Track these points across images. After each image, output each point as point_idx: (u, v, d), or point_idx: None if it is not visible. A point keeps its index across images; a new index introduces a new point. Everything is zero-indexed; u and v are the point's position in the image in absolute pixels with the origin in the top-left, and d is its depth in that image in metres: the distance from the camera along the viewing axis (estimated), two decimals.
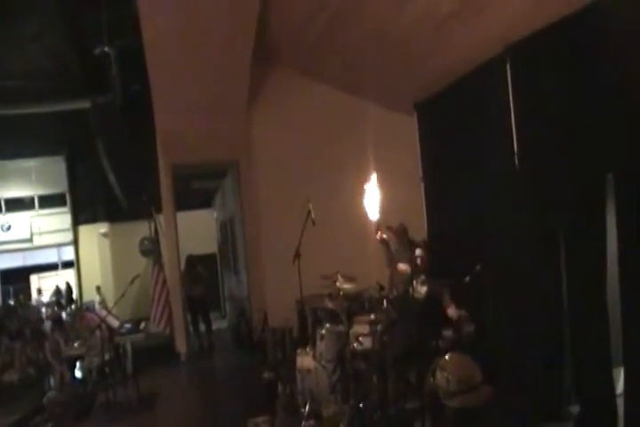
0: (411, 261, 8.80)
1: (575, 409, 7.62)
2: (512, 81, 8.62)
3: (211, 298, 17.42)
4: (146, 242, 16.01)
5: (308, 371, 8.66)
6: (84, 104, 19.88)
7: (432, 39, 9.54)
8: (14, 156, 26.11)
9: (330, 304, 9.30)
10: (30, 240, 28.61)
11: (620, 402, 6.78)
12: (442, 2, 8.76)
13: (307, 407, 7.81)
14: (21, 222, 28.38)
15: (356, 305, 9.84)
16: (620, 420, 6.78)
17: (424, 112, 12.44)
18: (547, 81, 7.78)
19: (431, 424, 7.02)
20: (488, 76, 9.28)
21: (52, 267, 29.62)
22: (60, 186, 28.56)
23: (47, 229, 28.62)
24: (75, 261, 28.20)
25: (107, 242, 27.12)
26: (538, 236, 8.12)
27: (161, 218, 15.28)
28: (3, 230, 28.00)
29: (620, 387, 7.04)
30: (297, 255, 9.00)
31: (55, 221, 28.63)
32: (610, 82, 6.56)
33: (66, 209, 28.56)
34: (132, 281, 12.24)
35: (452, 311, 8.44)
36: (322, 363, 8.71)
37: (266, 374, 9.85)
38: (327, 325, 9.35)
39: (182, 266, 15.40)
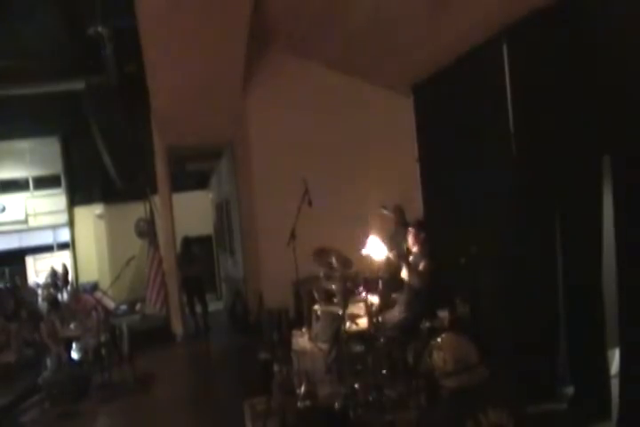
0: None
1: (569, 390, 7.66)
2: (509, 63, 8.59)
3: (207, 279, 17.45)
4: (141, 223, 16.04)
5: (304, 352, 8.71)
6: (79, 85, 19.82)
7: (430, 20, 9.49)
8: (8, 136, 25.93)
9: (326, 285, 9.35)
10: (25, 222, 28.55)
11: (615, 383, 6.82)
12: None
13: (302, 388, 7.84)
14: (16, 204, 28.28)
15: (351, 286, 9.86)
16: (614, 401, 6.82)
17: (421, 93, 12.42)
18: (544, 63, 7.75)
19: (426, 405, 7.05)
20: (485, 57, 9.25)
21: (47, 248, 29.60)
22: (55, 167, 28.43)
23: (42, 210, 28.53)
24: (70, 242, 28.16)
25: (102, 223, 27.06)
26: (534, 218, 8.13)
27: (156, 199, 15.29)
28: None
29: (614, 368, 7.08)
30: (292, 236, 9.01)
31: (50, 203, 28.53)
32: (608, 64, 6.54)
33: (61, 190, 28.46)
34: (128, 262, 12.26)
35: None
36: (317, 344, 8.74)
37: (262, 355, 9.87)
38: (323, 306, 9.38)
39: (178, 247, 15.41)
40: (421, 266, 8.88)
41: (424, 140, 12.38)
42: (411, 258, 9.14)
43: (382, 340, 7.90)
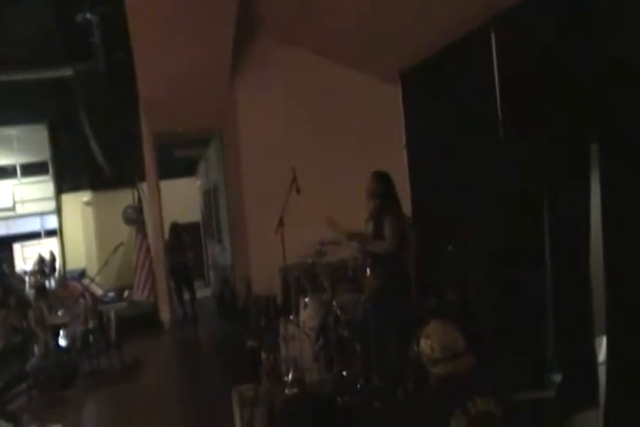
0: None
1: (557, 378, 7.68)
2: (497, 51, 8.58)
3: (195, 267, 17.43)
4: (129, 210, 15.98)
5: (292, 339, 8.69)
6: (66, 72, 19.75)
7: (418, 7, 9.48)
8: None
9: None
10: (13, 209, 28.51)
11: (602, 371, 6.84)
12: None
13: (290, 375, 7.85)
14: (3, 191, 28.25)
15: (339, 273, 9.86)
16: (601, 389, 6.84)
17: (409, 81, 12.39)
18: (532, 51, 7.74)
19: (414, 392, 7.07)
20: (473, 45, 9.24)
21: (35, 235, 29.57)
22: (43, 154, 28.39)
23: (30, 197, 28.51)
24: (58, 229, 28.11)
25: (90, 210, 27.01)
26: (522, 206, 8.13)
27: (144, 186, 15.26)
28: None
29: (601, 356, 7.10)
30: (280, 224, 8.98)
31: (38, 190, 28.51)
32: (595, 52, 6.53)
33: (48, 177, 28.40)
34: (115, 250, 12.24)
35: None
36: (305, 331, 8.74)
37: (249, 343, 9.87)
38: (311, 293, 9.37)
39: (166, 234, 15.38)
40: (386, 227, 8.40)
41: (412, 128, 12.37)
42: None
43: (370, 327, 7.90)
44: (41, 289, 16.00)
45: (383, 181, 8.23)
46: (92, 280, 14.30)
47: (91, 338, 11.77)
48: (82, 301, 12.51)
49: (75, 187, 27.63)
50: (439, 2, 9.01)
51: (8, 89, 21.54)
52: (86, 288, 12.93)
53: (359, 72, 13.25)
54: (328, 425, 7.19)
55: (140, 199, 15.51)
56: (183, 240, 16.15)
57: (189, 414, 9.04)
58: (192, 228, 21.81)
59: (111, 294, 18.23)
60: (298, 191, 8.86)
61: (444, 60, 10.37)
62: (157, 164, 14.86)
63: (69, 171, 27.71)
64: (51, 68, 20.07)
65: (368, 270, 8.15)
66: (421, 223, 11.01)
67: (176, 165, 23.89)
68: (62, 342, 12.32)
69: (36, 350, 11.61)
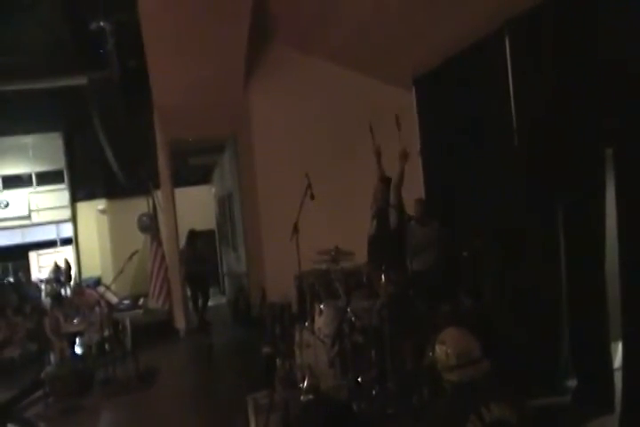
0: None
1: (572, 383, 7.65)
2: (511, 55, 8.58)
3: (210, 274, 17.42)
4: (144, 218, 16.03)
5: (307, 346, 8.68)
6: (81, 80, 19.81)
7: (431, 13, 9.48)
8: (11, 132, 25.97)
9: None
10: (28, 217, 28.58)
11: (618, 376, 6.81)
12: None
13: (305, 382, 7.83)
14: (19, 199, 28.33)
15: (354, 279, 9.84)
16: (617, 394, 6.81)
17: (423, 86, 12.40)
18: (546, 55, 7.74)
19: (429, 398, 7.05)
20: (487, 50, 9.24)
21: (50, 244, 29.64)
22: (58, 163, 28.46)
23: (45, 205, 28.58)
24: (73, 237, 28.17)
25: (105, 218, 27.04)
26: (537, 211, 8.12)
27: (159, 194, 15.28)
28: (1, 207, 27.96)
29: (617, 361, 7.07)
30: (295, 230, 8.97)
31: (53, 198, 28.57)
32: (610, 56, 6.52)
33: (64, 186, 28.47)
34: (131, 257, 12.24)
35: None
36: (320, 338, 8.72)
37: (264, 350, 9.86)
38: (325, 299, 9.36)
39: (182, 242, 15.39)
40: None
41: (426, 133, 12.37)
42: None
43: (385, 333, 7.89)
44: (57, 297, 16.06)
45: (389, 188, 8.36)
46: (108, 288, 14.30)
47: (106, 346, 11.81)
48: (97, 309, 12.53)
49: (90, 195, 27.68)
50: (452, 7, 9.01)
51: (23, 98, 21.62)
52: (102, 296, 12.93)
53: (373, 78, 13.24)
54: None
55: (154, 207, 15.53)
56: (200, 248, 16.15)
57: (205, 421, 9.04)
58: (207, 235, 21.85)
59: (126, 302, 18.25)
60: (312, 197, 8.86)
61: (458, 64, 10.38)
62: (172, 171, 14.89)
63: (84, 179, 27.75)
64: (65, 77, 20.12)
65: (383, 277, 8.14)
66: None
67: (191, 173, 23.92)
68: (78, 349, 12.36)
69: (51, 357, 11.65)
